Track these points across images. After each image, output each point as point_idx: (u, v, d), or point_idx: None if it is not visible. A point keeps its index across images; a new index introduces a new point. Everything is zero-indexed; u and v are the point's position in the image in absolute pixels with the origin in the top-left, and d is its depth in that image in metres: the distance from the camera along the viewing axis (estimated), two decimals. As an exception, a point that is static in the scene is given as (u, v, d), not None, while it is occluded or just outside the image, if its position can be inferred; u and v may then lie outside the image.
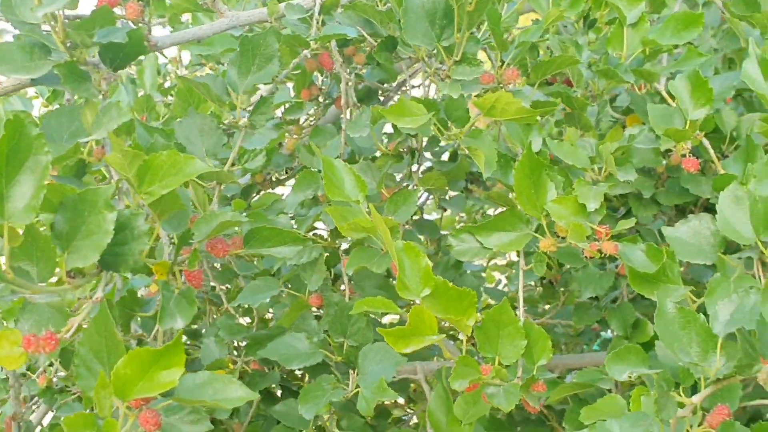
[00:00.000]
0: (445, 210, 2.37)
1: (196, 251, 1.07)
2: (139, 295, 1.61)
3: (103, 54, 1.08)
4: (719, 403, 1.02)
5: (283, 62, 1.32)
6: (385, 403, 2.01)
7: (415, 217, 2.16)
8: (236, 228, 1.26)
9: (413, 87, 1.82)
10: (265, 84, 1.46)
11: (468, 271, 2.12)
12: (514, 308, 1.34)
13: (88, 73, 1.07)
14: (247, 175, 1.67)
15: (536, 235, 1.28)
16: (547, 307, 2.01)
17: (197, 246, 1.10)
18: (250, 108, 1.38)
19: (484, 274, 2.77)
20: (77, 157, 1.12)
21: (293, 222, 1.56)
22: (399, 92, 1.82)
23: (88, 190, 0.91)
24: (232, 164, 1.34)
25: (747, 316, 0.96)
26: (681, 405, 0.97)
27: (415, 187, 1.60)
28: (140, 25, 1.15)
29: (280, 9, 1.38)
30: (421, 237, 2.07)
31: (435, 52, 1.32)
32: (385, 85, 1.76)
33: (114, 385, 0.94)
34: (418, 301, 1.12)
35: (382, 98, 1.81)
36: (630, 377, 1.06)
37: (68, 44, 1.06)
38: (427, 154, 1.97)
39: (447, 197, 2.16)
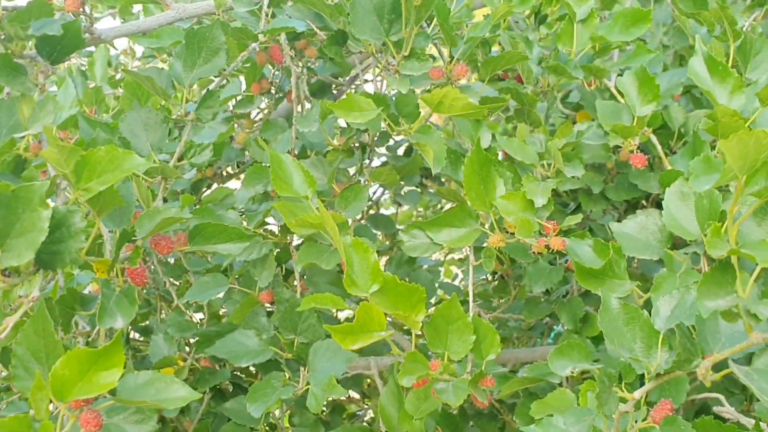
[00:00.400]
0: (400, 205, 2.37)
1: (138, 248, 1.05)
2: (87, 292, 1.58)
3: (40, 47, 1.05)
4: (663, 398, 1.02)
5: (230, 55, 1.30)
6: (341, 398, 2.01)
7: (371, 212, 2.15)
8: (187, 223, 1.24)
9: (366, 81, 1.81)
10: (216, 77, 1.44)
11: (424, 266, 2.13)
12: (466, 303, 1.35)
13: (23, 66, 1.04)
14: (194, 170, 1.65)
15: (486, 230, 1.28)
16: (502, 301, 2.02)
17: (140, 243, 1.08)
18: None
19: (441, 269, 2.78)
20: (14, 152, 1.09)
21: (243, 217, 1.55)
22: (352, 86, 1.81)
23: (22, 186, 0.88)
24: (180, 159, 1.32)
25: (687, 311, 0.97)
26: (623, 400, 0.98)
27: (366, 182, 1.58)
28: (81, 17, 1.12)
29: (228, 1, 1.36)
30: (377, 232, 2.07)
31: (384, 46, 1.31)
32: (339, 79, 1.74)
33: (52, 386, 0.92)
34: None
35: (335, 92, 1.80)
36: (573, 373, 1.06)
37: (2, 36, 1.03)
38: (382, 149, 1.96)
39: (402, 192, 2.17)
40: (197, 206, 1.57)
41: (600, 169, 1.52)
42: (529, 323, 1.83)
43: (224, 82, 1.39)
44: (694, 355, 0.93)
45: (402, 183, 1.98)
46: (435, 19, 1.35)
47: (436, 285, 2.15)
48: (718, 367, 0.96)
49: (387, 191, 2.21)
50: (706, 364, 0.91)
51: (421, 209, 2.68)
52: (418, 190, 2.11)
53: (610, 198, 1.51)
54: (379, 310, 1.11)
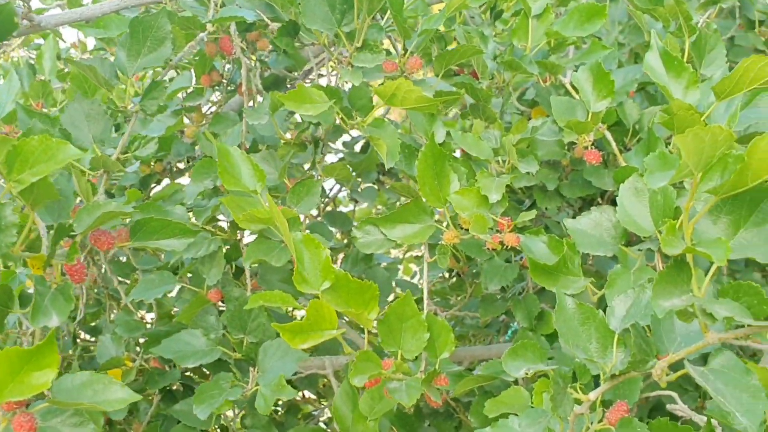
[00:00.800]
0: (357, 202, 2.34)
1: (76, 244, 1.00)
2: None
3: (-29, 31, 1.00)
4: (618, 399, 1.01)
5: (177, 45, 1.26)
6: (296, 398, 1.97)
7: (328, 209, 2.12)
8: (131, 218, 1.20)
9: (321, 76, 1.78)
10: (162, 67, 1.40)
11: (383, 264, 2.10)
12: (422, 301, 1.32)
13: (-48, 51, 0.99)
14: (138, 163, 1.59)
15: (440, 226, 1.26)
16: (459, 298, 2.01)
17: (79, 238, 1.03)
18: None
19: (400, 266, 2.75)
20: (-57, 142, 1.03)
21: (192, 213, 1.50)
22: (306, 80, 1.78)
23: (-53, 178, 0.84)
24: (124, 151, 1.28)
25: (642, 311, 0.96)
26: (578, 401, 0.96)
27: (320, 178, 1.55)
28: (18, 1, 1.07)
29: (176, -11, 1.32)
30: (334, 229, 2.03)
31: (337, 38, 1.28)
32: (294, 73, 1.71)
33: (-19, 389, 0.88)
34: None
35: (290, 86, 1.76)
36: (527, 374, 1.04)
37: (-71, 19, 0.98)
38: (339, 145, 1.93)
39: (359, 189, 2.13)
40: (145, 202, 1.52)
41: (555, 166, 1.50)
42: (485, 321, 1.81)
43: (171, 72, 1.34)
44: (649, 355, 0.91)
45: (359, 180, 1.95)
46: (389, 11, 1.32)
47: (394, 283, 2.12)
48: (674, 366, 0.95)
49: (344, 188, 2.18)
50: (661, 364, 0.89)
51: (380, 207, 2.65)
52: (375, 186, 2.08)
53: (564, 195, 1.50)
54: (331, 308, 1.07)
